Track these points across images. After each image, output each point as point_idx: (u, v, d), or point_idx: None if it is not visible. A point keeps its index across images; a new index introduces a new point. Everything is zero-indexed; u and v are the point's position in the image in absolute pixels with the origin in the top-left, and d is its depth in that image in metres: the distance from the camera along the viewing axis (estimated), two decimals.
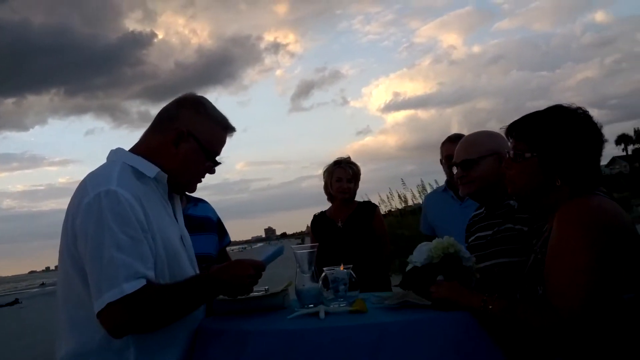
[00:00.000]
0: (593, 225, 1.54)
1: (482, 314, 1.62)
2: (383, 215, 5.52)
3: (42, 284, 51.84)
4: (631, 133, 78.60)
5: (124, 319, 1.57)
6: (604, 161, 1.89)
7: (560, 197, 1.68)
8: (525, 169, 1.74)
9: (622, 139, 77.99)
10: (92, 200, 1.62)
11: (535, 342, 1.61)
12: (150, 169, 1.79)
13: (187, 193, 3.21)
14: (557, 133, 1.68)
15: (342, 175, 3.95)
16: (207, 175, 1.93)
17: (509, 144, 1.81)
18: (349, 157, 4.09)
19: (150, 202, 1.73)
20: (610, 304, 1.51)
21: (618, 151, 78.44)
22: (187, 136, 1.82)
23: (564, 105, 1.74)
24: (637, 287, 1.55)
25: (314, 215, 4.16)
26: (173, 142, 1.82)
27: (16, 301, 28.19)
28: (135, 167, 1.77)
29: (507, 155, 1.80)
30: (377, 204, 4.21)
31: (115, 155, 1.84)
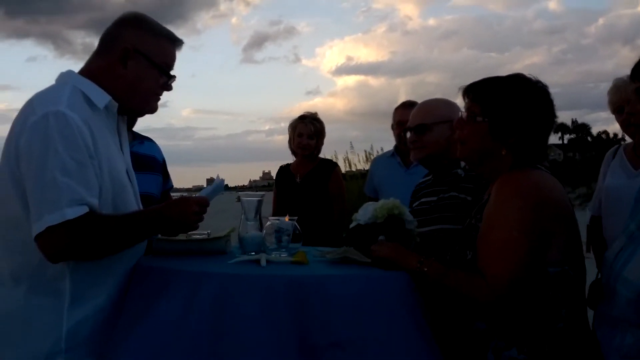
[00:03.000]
0: (529, 199, 1.60)
1: (418, 274, 1.67)
2: None
3: None
4: (569, 123, 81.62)
5: (63, 244, 1.54)
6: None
7: (503, 167, 1.72)
8: (475, 132, 1.76)
9: (559, 128, 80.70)
10: (39, 119, 1.56)
11: (460, 306, 1.68)
12: (101, 96, 1.73)
13: (133, 130, 3.14)
14: (511, 102, 1.71)
15: (303, 130, 3.94)
16: (154, 118, 1.89)
17: (464, 104, 1.83)
18: (315, 114, 4.08)
19: (98, 130, 1.68)
20: (535, 277, 1.58)
21: (554, 139, 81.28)
22: (134, 53, 1.76)
23: (526, 75, 1.76)
24: (565, 263, 1.63)
25: (280, 167, 4.17)
26: (120, 60, 1.75)
27: None
28: (86, 94, 1.70)
29: (460, 115, 1.82)
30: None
31: (65, 77, 1.77)
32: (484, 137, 1.74)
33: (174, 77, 1.87)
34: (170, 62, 1.86)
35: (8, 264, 1.64)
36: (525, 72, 1.75)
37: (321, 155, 4.20)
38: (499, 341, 1.62)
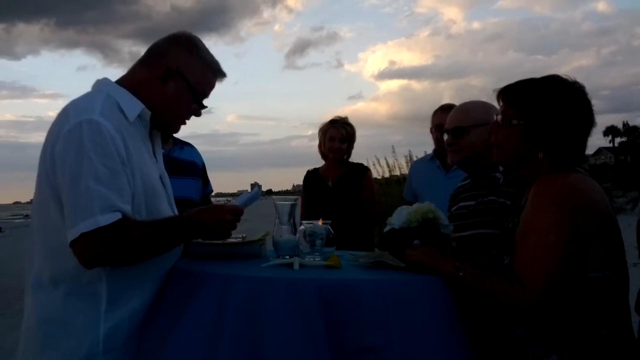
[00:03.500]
0: (567, 203, 1.55)
1: (453, 280, 1.64)
2: None
3: (26, 216, 51.77)
4: (620, 125, 78.95)
5: (96, 250, 1.57)
6: (590, 150, 1.89)
7: (540, 170, 1.67)
8: (510, 136, 1.72)
9: (610, 131, 78.28)
10: (73, 127, 1.60)
11: (498, 312, 1.64)
12: (135, 105, 1.76)
13: (174, 135, 3.20)
14: (547, 104, 1.66)
15: (335, 134, 3.94)
16: (199, 124, 1.92)
17: (499, 107, 1.79)
18: (345, 118, 4.07)
19: (131, 137, 1.71)
20: (575, 283, 1.53)
21: (605, 142, 78.85)
22: (176, 74, 1.79)
23: (562, 76, 1.71)
24: (606, 268, 1.57)
25: (307, 171, 4.17)
26: (160, 78, 1.79)
27: None
28: (119, 103, 1.74)
29: (495, 118, 1.78)
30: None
31: (101, 85, 1.80)
32: (519, 141, 1.70)
33: (206, 107, 1.90)
34: (207, 92, 1.89)
35: (47, 268, 1.68)
36: (573, 75, 1.70)
37: (364, 160, 4.20)
38: (538, 348, 1.57)
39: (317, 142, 4.11)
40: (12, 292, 7.51)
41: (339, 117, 4.07)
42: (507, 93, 1.75)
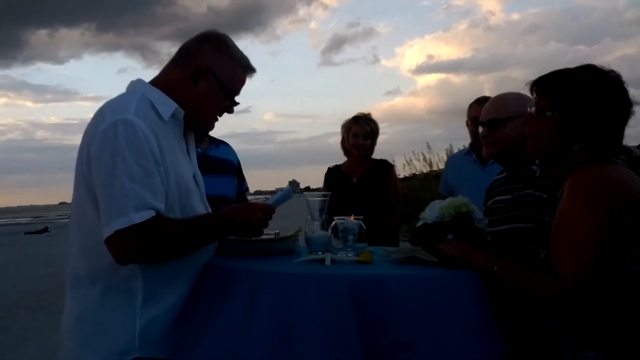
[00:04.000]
0: (604, 195, 1.51)
1: (487, 274, 1.62)
2: (407, 177, 5.50)
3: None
4: None
5: (131, 248, 1.60)
6: (635, 142, 1.83)
7: (577, 162, 1.63)
8: (545, 128, 1.68)
9: None
10: (108, 127, 1.63)
11: (534, 307, 1.61)
12: (168, 104, 1.79)
13: (210, 134, 3.25)
14: (582, 94, 1.62)
15: (359, 131, 3.94)
16: (237, 123, 1.94)
17: (533, 99, 1.75)
18: (369, 114, 4.07)
19: (165, 137, 1.73)
20: (612, 276, 1.49)
21: None
22: (207, 73, 1.81)
23: (597, 66, 1.66)
24: None
25: (328, 168, 4.17)
26: (192, 77, 1.81)
27: (45, 229, 29.23)
28: (153, 103, 1.77)
29: (529, 110, 1.75)
30: (403, 164, 4.24)
31: (135, 86, 1.84)
32: (554, 133, 1.66)
33: (237, 102, 1.92)
34: (238, 89, 1.91)
35: (84, 265, 1.72)
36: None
37: (401, 156, 4.20)
38: (575, 342, 1.54)
39: None
40: (59, 290, 7.74)
41: (362, 113, 4.06)
42: (540, 84, 1.71)
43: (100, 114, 1.71)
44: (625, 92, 1.64)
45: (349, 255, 1.84)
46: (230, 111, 1.93)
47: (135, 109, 1.68)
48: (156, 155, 1.66)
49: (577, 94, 1.63)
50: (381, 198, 3.87)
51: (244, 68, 1.90)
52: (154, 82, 1.86)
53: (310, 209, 1.92)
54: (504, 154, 2.23)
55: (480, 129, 2.31)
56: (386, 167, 4.02)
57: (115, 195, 1.59)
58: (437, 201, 1.91)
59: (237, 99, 1.92)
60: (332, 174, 4.11)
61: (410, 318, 1.51)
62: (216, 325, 1.64)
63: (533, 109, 1.72)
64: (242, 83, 1.92)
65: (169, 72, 1.87)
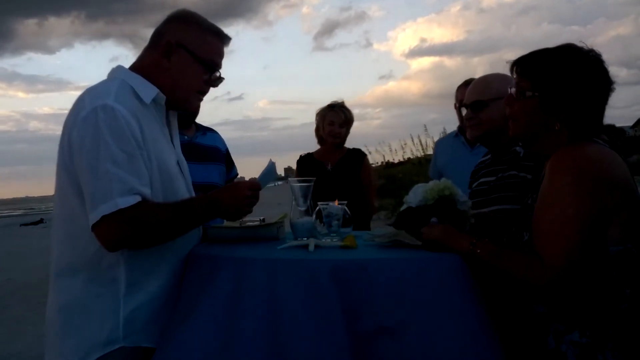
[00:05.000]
0: (585, 175, 1.50)
1: (470, 257, 1.61)
2: (402, 162, 5.53)
3: None
4: None
5: (118, 233, 1.59)
6: (629, 122, 1.82)
7: (558, 142, 1.63)
8: (526, 108, 1.68)
9: None
10: (88, 113, 1.62)
11: (518, 289, 1.61)
12: (149, 89, 1.77)
13: (196, 122, 3.23)
14: (561, 74, 1.61)
15: (334, 119, 3.97)
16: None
17: (514, 79, 1.74)
18: (342, 102, 4.09)
19: (147, 122, 1.72)
20: (596, 257, 1.49)
21: None
22: (177, 47, 1.79)
23: (576, 45, 1.65)
24: (627, 241, 1.52)
25: (300, 156, 4.19)
26: (164, 55, 1.79)
27: (41, 221, 29.17)
28: (134, 88, 1.75)
29: (509, 91, 1.74)
30: (395, 149, 4.30)
31: (115, 72, 1.82)
32: (534, 113, 1.65)
33: (218, 73, 1.88)
34: (215, 58, 1.87)
35: (66, 255, 1.71)
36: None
37: (395, 140, 4.25)
38: (559, 324, 1.54)
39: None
40: None
41: (335, 101, 4.08)
42: (520, 64, 1.70)
43: (80, 101, 1.70)
44: (606, 71, 1.63)
45: (334, 240, 1.84)
46: (214, 84, 1.89)
47: (115, 94, 1.67)
48: (138, 140, 1.65)
49: (557, 74, 1.62)
50: (355, 186, 3.90)
51: (214, 35, 1.86)
52: (132, 68, 1.84)
53: (295, 195, 1.92)
54: (489, 135, 2.22)
55: (464, 111, 2.30)
56: (360, 156, 4.07)
57: (100, 180, 1.57)
58: (420, 184, 1.90)
59: (221, 74, 1.88)
60: (305, 161, 4.13)
61: (395, 302, 1.51)
62: (201, 312, 1.63)
63: (513, 89, 1.71)
64: (217, 51, 1.87)
65: (144, 57, 1.85)
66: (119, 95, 1.68)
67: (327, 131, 3.97)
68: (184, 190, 1.87)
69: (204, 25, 1.85)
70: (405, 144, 14.48)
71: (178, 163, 1.89)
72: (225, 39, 1.89)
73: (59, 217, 1.74)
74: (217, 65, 1.87)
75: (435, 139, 10.34)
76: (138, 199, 1.60)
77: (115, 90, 1.69)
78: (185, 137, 3.03)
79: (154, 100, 1.79)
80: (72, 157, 1.65)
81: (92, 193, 1.59)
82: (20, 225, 27.80)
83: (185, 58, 1.80)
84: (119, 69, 1.84)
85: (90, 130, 1.61)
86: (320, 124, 4.04)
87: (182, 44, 1.80)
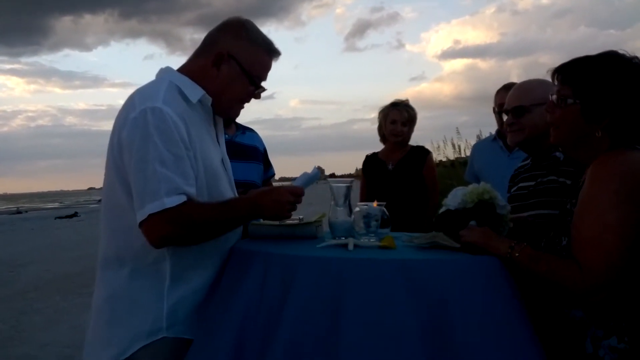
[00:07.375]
0: (627, 181, 1.50)
1: (509, 260, 1.62)
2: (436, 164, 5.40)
3: (99, 201, 54.16)
4: None
5: (165, 231, 1.65)
6: None
7: (599, 150, 1.63)
8: (567, 116, 1.68)
9: None
10: (138, 115, 1.68)
11: (556, 293, 1.61)
12: (195, 90, 1.83)
13: (236, 121, 3.29)
14: (603, 82, 1.61)
15: (396, 117, 3.91)
16: (262, 110, 1.96)
17: (555, 87, 1.74)
18: (407, 100, 4.03)
19: (193, 123, 1.77)
20: (635, 263, 1.48)
21: None
22: (228, 58, 1.84)
23: (619, 52, 1.65)
24: None
25: (366, 156, 4.15)
26: (214, 64, 1.84)
27: (75, 214, 29.84)
28: (181, 89, 1.81)
29: (550, 98, 1.74)
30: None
31: (164, 73, 1.89)
32: (576, 120, 1.66)
33: (262, 87, 1.93)
34: (262, 73, 1.92)
35: (113, 247, 1.78)
36: None
37: (428, 142, 4.18)
38: (597, 329, 1.55)
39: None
40: (89, 273, 7.95)
41: (399, 99, 4.02)
42: (562, 72, 1.71)
43: (130, 101, 1.76)
44: None
45: (372, 240, 1.86)
46: (257, 97, 1.95)
47: (163, 96, 1.73)
48: (185, 141, 1.70)
49: (598, 81, 1.62)
50: (417, 185, 3.83)
51: (266, 51, 1.91)
52: (181, 70, 1.90)
53: (334, 195, 1.94)
54: (530, 141, 2.22)
55: (505, 117, 2.30)
56: (423, 153, 3.98)
57: (148, 180, 1.63)
58: (459, 188, 1.91)
59: (263, 84, 1.93)
60: (370, 161, 4.09)
61: (435, 303, 1.52)
62: (240, 305, 1.65)
63: (554, 96, 1.72)
64: (266, 67, 1.93)
65: (193, 61, 1.91)
66: (167, 97, 1.73)
67: (389, 130, 3.92)
68: (227, 187, 1.93)
69: (258, 40, 1.90)
70: (437, 147, 14.35)
71: (222, 161, 1.95)
72: (275, 54, 1.94)
73: (107, 212, 1.81)
74: (263, 79, 1.93)
75: (468, 141, 10.19)
76: (184, 198, 1.65)
77: (164, 92, 1.75)
78: (226, 135, 3.09)
79: (200, 101, 1.84)
80: (121, 156, 1.71)
81: (140, 192, 1.65)
82: (55, 218, 28.46)
83: (234, 69, 1.85)
84: (167, 69, 1.91)
85: (139, 131, 1.67)
86: (382, 122, 3.99)
87: (234, 56, 1.84)
